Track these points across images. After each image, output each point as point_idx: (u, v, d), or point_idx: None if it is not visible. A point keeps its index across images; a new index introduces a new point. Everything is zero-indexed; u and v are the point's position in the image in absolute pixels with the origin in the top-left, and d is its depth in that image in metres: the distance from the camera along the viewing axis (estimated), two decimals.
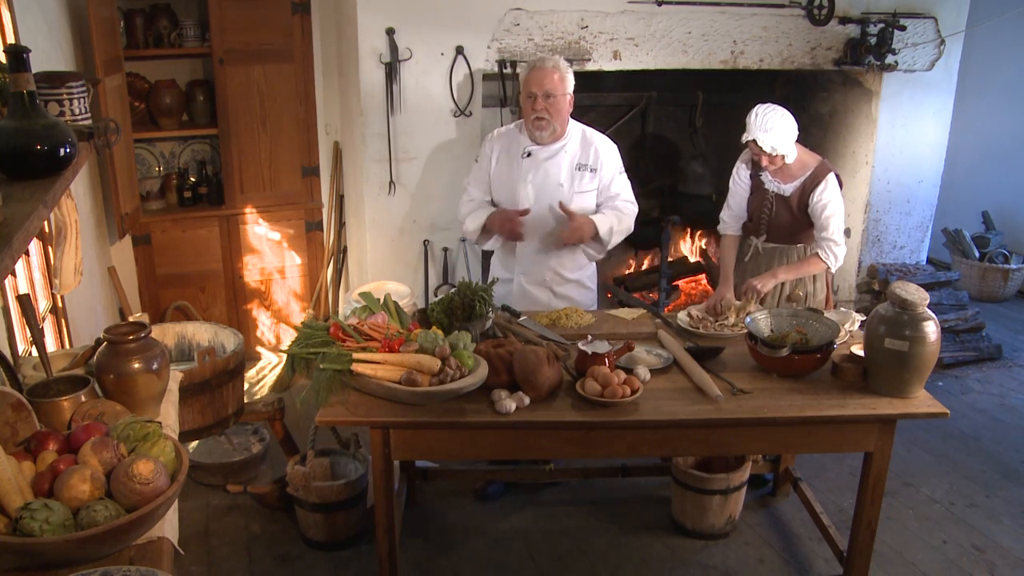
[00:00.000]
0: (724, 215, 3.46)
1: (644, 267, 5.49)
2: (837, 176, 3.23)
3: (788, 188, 3.23)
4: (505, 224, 3.16)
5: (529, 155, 3.16)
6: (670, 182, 5.29)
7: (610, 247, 3.24)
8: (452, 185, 3.98)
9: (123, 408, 1.72)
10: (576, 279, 3.33)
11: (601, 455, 2.66)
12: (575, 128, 3.20)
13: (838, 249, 3.19)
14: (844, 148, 4.93)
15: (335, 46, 4.42)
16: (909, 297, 2.48)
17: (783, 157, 3.14)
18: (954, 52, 4.68)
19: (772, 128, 3.08)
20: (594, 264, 3.40)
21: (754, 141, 3.11)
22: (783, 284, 3.34)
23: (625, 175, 3.25)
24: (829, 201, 3.16)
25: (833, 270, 3.26)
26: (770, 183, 3.26)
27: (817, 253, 3.20)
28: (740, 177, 3.37)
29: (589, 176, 3.15)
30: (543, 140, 3.13)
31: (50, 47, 3.07)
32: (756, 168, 3.28)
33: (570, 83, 3.09)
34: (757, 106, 3.15)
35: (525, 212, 3.13)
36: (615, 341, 2.75)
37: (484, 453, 2.81)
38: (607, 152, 3.19)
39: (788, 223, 3.27)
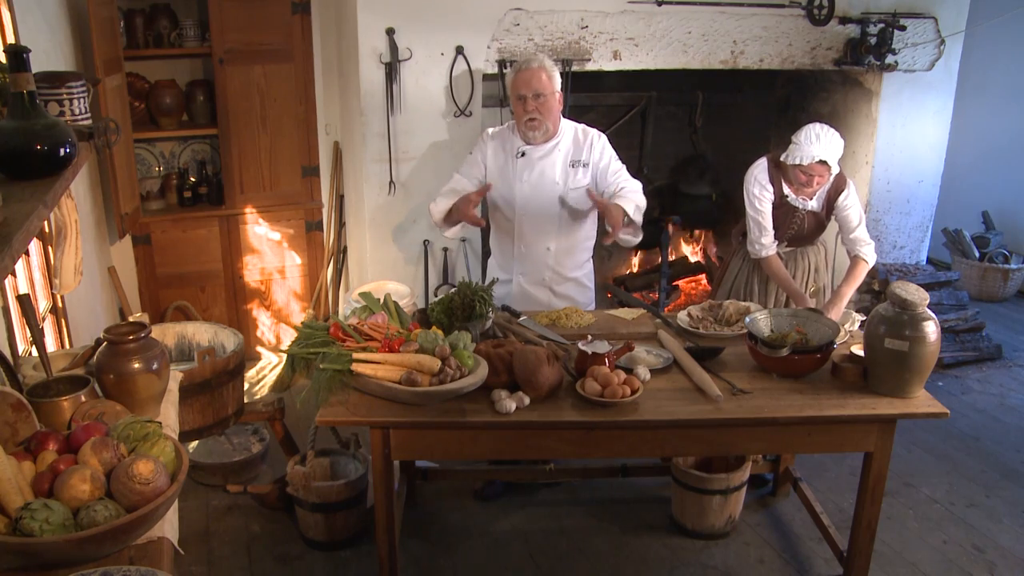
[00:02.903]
0: (762, 239, 3.31)
1: (644, 267, 5.50)
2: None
3: (816, 203, 3.30)
4: (462, 206, 3.07)
5: (523, 155, 3.16)
6: (670, 182, 5.29)
7: (640, 226, 3.16)
8: None
9: (123, 408, 1.72)
10: (575, 278, 3.33)
11: (601, 455, 2.66)
12: (567, 126, 3.19)
13: (872, 246, 3.33)
14: (844, 148, 4.91)
15: (335, 46, 4.42)
16: (909, 297, 2.48)
17: (831, 175, 3.17)
18: (954, 52, 4.68)
19: (837, 146, 3.13)
20: (591, 263, 3.40)
21: (822, 162, 3.09)
22: (807, 280, 3.48)
23: (619, 161, 3.23)
24: (855, 205, 3.29)
25: (871, 265, 3.34)
26: (795, 200, 3.28)
27: (861, 258, 3.29)
28: (765, 204, 3.30)
29: (582, 172, 3.15)
30: (536, 140, 3.13)
31: (50, 47, 3.07)
32: (780, 188, 3.27)
33: (557, 81, 3.08)
34: (808, 127, 3.14)
35: (487, 188, 3.11)
36: (615, 341, 2.75)
37: (484, 453, 2.81)
38: (599, 144, 3.18)
39: (814, 231, 3.39)
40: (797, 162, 3.12)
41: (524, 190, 3.16)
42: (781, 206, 3.32)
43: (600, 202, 3.06)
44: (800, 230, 3.34)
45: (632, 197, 3.10)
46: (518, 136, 3.18)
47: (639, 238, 3.21)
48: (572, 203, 3.17)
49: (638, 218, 3.10)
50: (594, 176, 3.17)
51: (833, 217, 3.35)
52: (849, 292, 3.26)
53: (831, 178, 3.21)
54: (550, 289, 3.31)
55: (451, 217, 3.19)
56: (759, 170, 3.30)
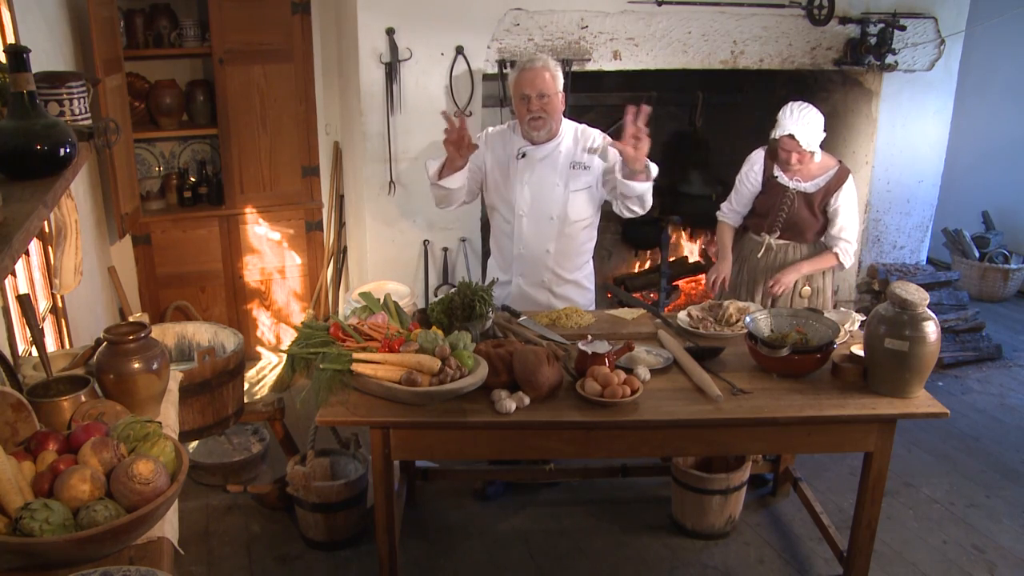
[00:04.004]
0: (725, 207, 3.53)
1: (644, 267, 5.50)
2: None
3: (810, 186, 3.30)
4: (452, 136, 2.93)
5: (524, 156, 3.15)
6: (670, 182, 5.29)
7: (649, 183, 3.00)
8: None
9: (123, 408, 1.72)
10: (574, 279, 3.32)
11: (601, 455, 2.66)
12: (568, 126, 3.18)
13: (852, 249, 3.36)
14: (844, 148, 4.93)
15: (335, 46, 4.42)
16: (909, 297, 2.48)
17: (812, 155, 3.20)
18: (954, 52, 4.68)
19: (809, 123, 3.16)
20: (591, 264, 3.40)
21: (790, 136, 3.15)
22: (797, 281, 3.45)
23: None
24: (851, 204, 3.30)
25: (846, 267, 3.39)
26: (789, 181, 3.30)
27: (834, 252, 3.34)
28: (750, 179, 3.40)
29: (584, 174, 3.14)
30: (540, 140, 3.12)
31: (50, 47, 3.07)
32: (771, 169, 3.31)
33: (560, 81, 3.07)
34: (790, 103, 3.22)
35: (462, 124, 2.94)
36: (615, 341, 2.75)
37: (484, 453, 2.81)
38: (602, 143, 3.17)
39: (805, 220, 3.36)
40: (773, 136, 3.22)
41: (524, 191, 3.15)
42: (771, 189, 3.34)
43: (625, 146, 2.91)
44: (791, 213, 3.32)
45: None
46: (519, 135, 3.17)
47: (643, 194, 3.03)
48: (572, 205, 3.16)
49: (653, 172, 2.97)
50: (597, 176, 3.15)
51: (827, 212, 3.35)
52: (806, 267, 3.33)
53: (811, 159, 3.22)
54: (549, 291, 3.31)
55: (445, 168, 3.05)
56: (756, 151, 3.43)
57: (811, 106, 3.21)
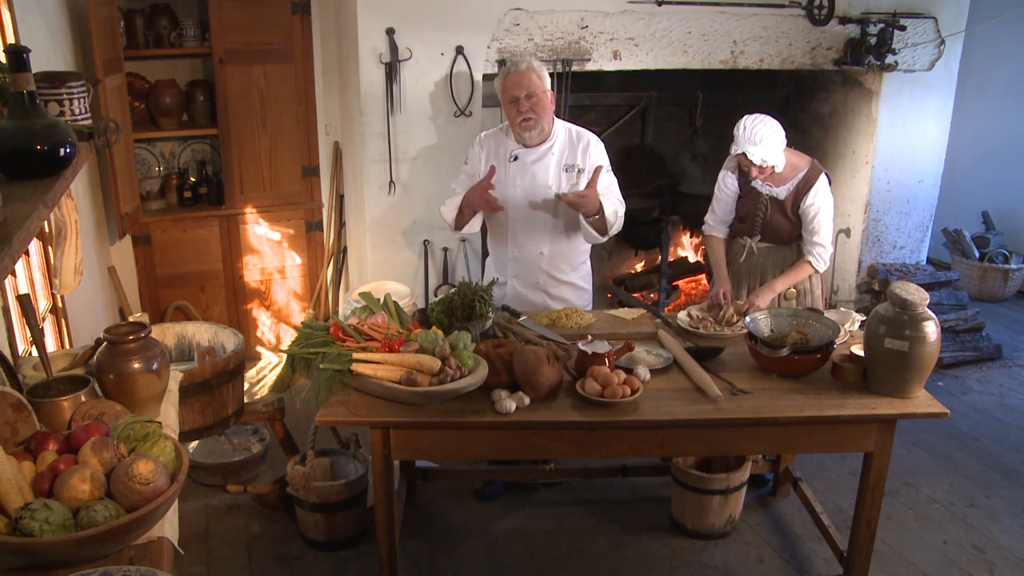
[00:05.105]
0: (709, 219, 3.47)
1: (644, 267, 5.50)
2: (827, 176, 3.23)
3: (782, 191, 3.23)
4: (479, 192, 3.07)
5: (516, 159, 3.14)
6: (670, 182, 5.29)
7: (609, 234, 3.15)
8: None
9: (123, 408, 1.72)
10: (570, 280, 3.31)
11: (601, 455, 2.66)
12: (561, 127, 3.17)
13: (826, 253, 3.26)
14: (844, 148, 4.93)
15: (335, 46, 4.42)
16: (909, 297, 2.48)
17: (773, 168, 3.12)
18: (954, 52, 4.68)
19: (761, 140, 3.05)
20: (588, 264, 3.39)
21: (743, 154, 3.08)
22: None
23: (612, 173, 3.22)
24: (821, 205, 3.18)
25: (820, 272, 3.31)
26: (762, 187, 3.26)
27: (808, 260, 3.25)
28: (726, 184, 3.34)
29: (577, 176, 3.13)
30: (532, 141, 3.11)
31: (50, 47, 3.07)
32: (744, 175, 3.28)
33: (547, 80, 3.07)
34: (744, 118, 3.12)
35: (492, 171, 3.08)
36: (615, 341, 2.75)
37: (484, 453, 2.81)
38: (595, 151, 3.16)
39: (782, 224, 3.28)
40: (732, 152, 3.15)
41: (516, 194, 3.14)
42: (747, 193, 3.31)
43: (592, 184, 3.05)
44: (766, 218, 3.29)
45: (615, 204, 3.11)
46: (511, 138, 3.16)
47: (599, 240, 3.19)
48: (565, 208, 3.15)
49: (613, 221, 3.09)
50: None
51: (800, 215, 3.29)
52: (780, 286, 3.25)
53: (772, 171, 3.14)
54: (545, 292, 3.30)
55: (463, 214, 3.18)
56: (730, 157, 3.33)
57: (766, 119, 3.09)
